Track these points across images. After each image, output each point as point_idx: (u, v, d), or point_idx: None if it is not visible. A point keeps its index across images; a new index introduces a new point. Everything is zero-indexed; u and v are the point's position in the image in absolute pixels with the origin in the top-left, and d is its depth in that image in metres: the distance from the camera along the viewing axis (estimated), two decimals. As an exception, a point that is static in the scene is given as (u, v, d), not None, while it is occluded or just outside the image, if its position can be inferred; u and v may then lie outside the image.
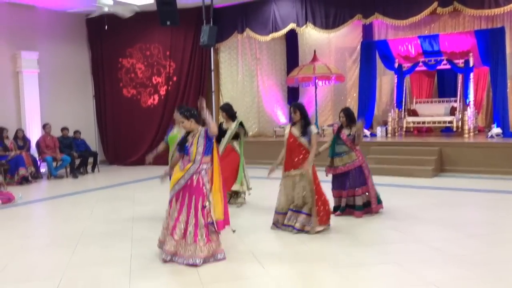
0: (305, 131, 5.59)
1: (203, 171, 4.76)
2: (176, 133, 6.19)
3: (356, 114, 12.60)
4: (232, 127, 7.27)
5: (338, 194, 6.47)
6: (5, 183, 9.09)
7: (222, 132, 7.28)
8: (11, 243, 5.74)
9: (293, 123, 5.73)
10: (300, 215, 5.63)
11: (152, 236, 5.51)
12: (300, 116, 5.62)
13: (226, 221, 5.10)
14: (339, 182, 6.46)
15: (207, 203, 4.74)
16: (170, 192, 4.87)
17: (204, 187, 4.75)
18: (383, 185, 8.43)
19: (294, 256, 4.90)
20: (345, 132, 6.43)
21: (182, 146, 4.86)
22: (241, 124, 7.35)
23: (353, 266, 4.58)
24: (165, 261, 4.65)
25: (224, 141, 7.23)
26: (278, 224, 5.83)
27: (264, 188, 8.66)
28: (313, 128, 5.63)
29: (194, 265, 4.54)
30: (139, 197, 8.46)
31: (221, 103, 12.96)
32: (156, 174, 10.71)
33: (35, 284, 4.29)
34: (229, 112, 7.32)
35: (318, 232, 5.57)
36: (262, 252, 5.01)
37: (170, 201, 4.83)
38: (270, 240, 5.53)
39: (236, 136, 7.34)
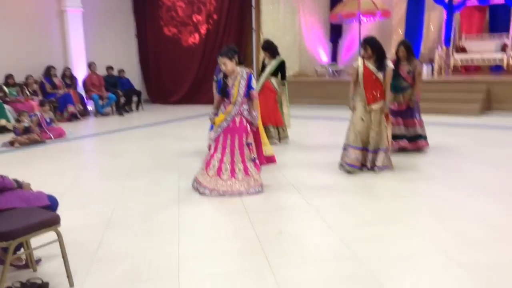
0: (381, 66, 5.35)
1: (245, 111, 4.85)
2: None
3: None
4: (272, 63, 7.19)
5: (397, 122, 6.34)
6: (56, 119, 9.48)
7: (264, 68, 7.26)
8: (65, 174, 6.08)
9: (364, 57, 5.46)
10: (379, 154, 5.48)
11: (197, 169, 5.72)
12: (373, 52, 5.35)
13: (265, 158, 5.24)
14: (401, 114, 6.33)
15: (250, 140, 4.85)
16: (213, 135, 5.00)
17: (247, 126, 4.85)
18: (429, 124, 8.29)
19: (335, 189, 4.98)
20: (404, 68, 6.23)
21: (224, 91, 4.87)
22: (282, 63, 7.24)
23: (395, 199, 4.64)
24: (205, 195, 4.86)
25: (262, 78, 7.16)
26: (347, 162, 5.54)
27: (304, 127, 8.72)
28: (389, 63, 5.42)
29: (257, 192, 4.81)
30: (183, 134, 8.68)
31: (262, 42, 12.84)
32: (198, 113, 11.02)
33: (92, 210, 4.58)
34: (270, 50, 7.23)
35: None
36: (303, 185, 5.12)
37: (215, 144, 4.93)
38: (310, 175, 5.60)
39: (276, 73, 7.24)
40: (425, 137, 6.46)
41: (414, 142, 6.40)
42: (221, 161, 4.86)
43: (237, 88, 4.80)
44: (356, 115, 5.51)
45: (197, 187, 4.93)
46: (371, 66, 5.40)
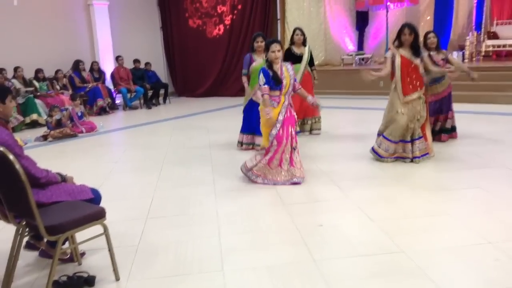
0: (417, 53, 5.22)
1: (291, 100, 4.89)
2: (261, 64, 5.79)
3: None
4: (306, 51, 7.08)
5: (436, 119, 6.25)
6: (86, 113, 9.57)
7: (295, 58, 7.09)
8: (100, 167, 6.14)
9: (398, 46, 5.30)
10: (415, 143, 5.36)
11: (231, 161, 5.71)
12: (413, 38, 5.21)
13: None
14: (436, 106, 6.17)
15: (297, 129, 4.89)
16: (272, 130, 4.79)
17: (295, 116, 4.92)
18: (463, 112, 8.10)
19: (373, 181, 4.89)
20: (437, 57, 6.01)
21: (278, 80, 4.71)
22: (311, 52, 7.17)
23: (436, 190, 4.53)
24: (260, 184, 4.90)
25: (302, 67, 6.95)
26: (382, 154, 5.46)
27: (333, 117, 8.60)
28: (424, 51, 5.33)
29: (298, 183, 4.79)
30: (212, 126, 8.65)
31: (287, 32, 12.72)
32: (225, 105, 11.00)
33: (131, 202, 4.60)
34: (305, 35, 7.11)
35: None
36: (339, 176, 5.04)
37: (279, 140, 4.78)
38: (345, 165, 5.52)
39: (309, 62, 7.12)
40: (447, 131, 6.33)
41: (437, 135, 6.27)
42: (282, 152, 4.82)
43: (288, 79, 4.77)
44: (393, 110, 5.34)
45: (249, 175, 4.96)
46: (407, 54, 5.24)
